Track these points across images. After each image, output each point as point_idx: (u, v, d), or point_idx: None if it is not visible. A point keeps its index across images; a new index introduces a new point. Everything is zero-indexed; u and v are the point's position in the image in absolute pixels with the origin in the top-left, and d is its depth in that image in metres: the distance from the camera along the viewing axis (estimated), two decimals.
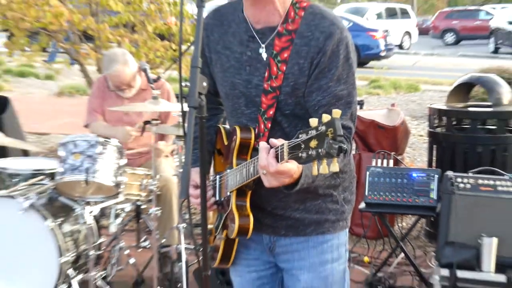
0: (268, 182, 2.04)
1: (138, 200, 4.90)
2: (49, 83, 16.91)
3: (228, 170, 2.39)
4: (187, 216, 4.84)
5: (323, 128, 1.78)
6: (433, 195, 4.87)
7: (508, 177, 4.64)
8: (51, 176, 4.81)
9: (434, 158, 5.67)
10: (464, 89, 6.07)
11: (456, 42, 34.46)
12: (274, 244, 2.52)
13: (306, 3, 2.33)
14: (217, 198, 2.50)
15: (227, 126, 2.49)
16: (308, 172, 2.04)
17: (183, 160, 4.78)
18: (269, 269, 2.61)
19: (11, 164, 5.20)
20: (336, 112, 1.79)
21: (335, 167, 1.79)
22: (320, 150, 1.78)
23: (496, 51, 28.67)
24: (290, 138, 1.95)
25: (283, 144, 1.92)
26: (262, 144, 2.04)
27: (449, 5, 58.12)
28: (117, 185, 4.60)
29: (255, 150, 2.30)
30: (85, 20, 7.83)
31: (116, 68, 5.12)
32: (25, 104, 9.72)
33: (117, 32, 7.94)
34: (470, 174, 4.73)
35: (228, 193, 2.39)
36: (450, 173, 4.76)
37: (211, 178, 2.51)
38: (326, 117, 1.79)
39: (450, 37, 34.97)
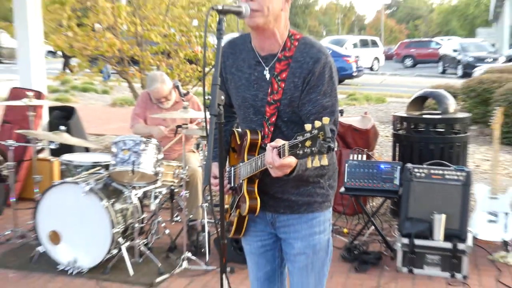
0: (274, 173, 2.07)
1: (172, 185, 4.92)
2: (105, 96, 16.94)
3: (241, 164, 2.40)
4: (208, 198, 4.85)
5: (316, 131, 1.86)
6: (396, 181, 4.88)
7: (453, 168, 4.65)
8: (106, 167, 4.83)
9: (397, 153, 5.66)
10: (419, 101, 6.06)
11: (413, 65, 34.39)
12: (275, 220, 2.51)
13: (299, 35, 2.35)
14: (232, 184, 2.50)
15: (240, 130, 2.50)
16: (302, 162, 2.07)
17: (206, 155, 4.81)
18: (271, 238, 2.60)
19: (76, 157, 5.24)
20: (325, 119, 1.87)
21: (325, 161, 1.87)
22: (313, 149, 1.86)
23: (443, 72, 28.63)
24: (288, 139, 2.01)
25: (284, 144, 1.98)
26: (269, 146, 2.07)
27: (408, 37, 58.12)
28: (156, 173, 4.63)
29: (262, 148, 2.33)
30: (132, 48, 7.85)
31: (156, 86, 5.16)
32: (86, 112, 9.73)
33: (157, 58, 7.96)
34: (424, 166, 4.75)
35: (241, 181, 2.40)
36: (409, 165, 4.78)
37: (227, 169, 2.51)
38: (317, 123, 1.87)
39: (408, 61, 34.92)
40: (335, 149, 2.20)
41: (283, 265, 2.67)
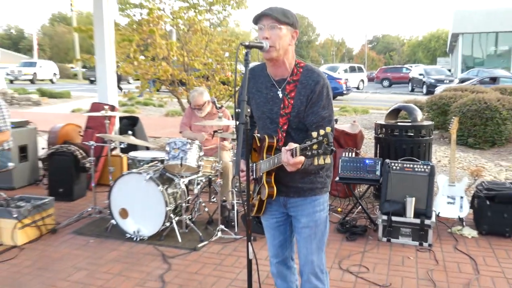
0: (288, 168, 2.13)
1: (210, 175, 4.90)
2: (160, 109, 17.04)
3: (261, 161, 2.40)
4: (237, 185, 4.83)
5: (321, 138, 1.94)
6: (378, 173, 4.82)
7: (420, 163, 4.59)
8: (162, 161, 4.84)
9: (378, 152, 5.60)
10: (395, 113, 5.99)
11: (389, 85, 34.12)
12: (286, 202, 2.52)
13: (303, 64, 2.39)
14: (254, 176, 2.50)
15: (259, 135, 2.50)
16: (309, 160, 2.09)
17: (235, 153, 4.78)
18: (283, 216, 2.60)
19: (139, 154, 5.26)
20: (328, 129, 1.95)
21: (328, 160, 1.97)
22: (319, 151, 1.95)
23: (412, 90, 28.35)
24: (297, 142, 2.09)
25: (296, 147, 2.03)
26: (284, 149, 2.11)
27: (385, 64, 57.79)
28: (198, 166, 4.61)
29: (277, 149, 2.35)
30: (181, 74, 7.85)
31: (194, 95, 5.23)
32: (147, 121, 9.76)
33: (198, 80, 7.96)
34: (399, 161, 4.68)
35: (261, 174, 2.41)
36: (387, 160, 4.72)
37: (250, 165, 2.50)
38: (322, 132, 1.95)
39: (386, 83, 34.65)
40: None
41: (292, 235, 2.67)
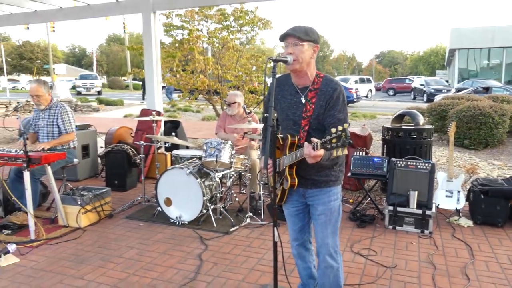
0: (309, 160, 2.13)
1: (240, 170, 4.89)
2: (197, 114, 17.14)
3: (284, 156, 2.40)
4: (263, 179, 4.83)
5: (340, 133, 1.94)
6: (385, 169, 4.74)
7: (422, 161, 4.50)
8: (199, 158, 4.86)
9: (385, 151, 5.52)
10: (399, 117, 5.89)
11: (394, 94, 33.49)
12: (305, 192, 2.52)
13: (322, 74, 2.40)
14: (278, 169, 2.49)
15: (281, 135, 2.51)
16: (327, 154, 2.13)
17: (260, 151, 4.77)
18: (302, 205, 2.60)
19: (181, 152, 5.28)
20: (346, 125, 1.96)
21: (345, 151, 1.98)
22: (338, 143, 1.94)
23: (414, 98, 27.79)
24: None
25: (317, 141, 2.03)
26: (306, 143, 2.12)
27: (390, 76, 56.84)
28: (231, 162, 4.61)
29: (298, 146, 2.34)
30: (215, 84, 7.90)
31: (230, 93, 5.34)
32: (187, 124, 9.86)
33: (231, 90, 7.99)
34: (403, 159, 4.60)
35: (284, 167, 2.41)
36: (393, 158, 4.64)
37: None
38: (340, 128, 1.97)
39: (391, 92, 34.02)
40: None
41: (310, 221, 2.67)
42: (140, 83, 26.82)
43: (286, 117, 2.48)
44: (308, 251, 2.76)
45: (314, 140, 2.08)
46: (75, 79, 33.69)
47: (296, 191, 2.51)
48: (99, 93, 31.77)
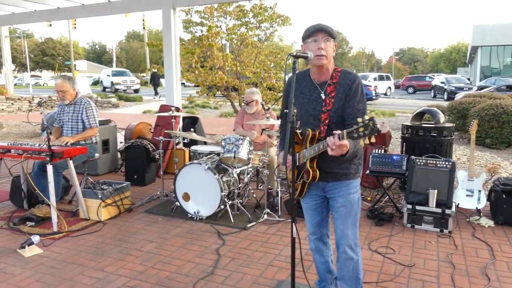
0: (334, 152, 2.13)
1: (258, 166, 4.90)
2: (215, 111, 17.21)
3: (304, 150, 2.43)
4: (280, 175, 4.83)
5: (367, 121, 1.95)
6: (404, 167, 4.69)
7: (442, 159, 4.43)
8: (218, 154, 4.89)
9: (404, 149, 5.46)
10: (419, 115, 5.83)
11: (414, 92, 33.02)
12: (324, 186, 2.54)
13: (339, 69, 2.44)
14: (297, 164, 2.51)
15: (299, 130, 2.53)
16: (353, 146, 2.19)
17: (278, 147, 4.77)
18: (321, 199, 2.62)
19: (199, 148, 5.31)
20: (370, 114, 1.99)
21: (373, 139, 1.97)
22: (366, 132, 1.95)
23: (434, 96, 27.37)
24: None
25: (343, 131, 2.05)
26: (332, 135, 2.14)
27: (410, 74, 56.07)
28: (249, 159, 4.63)
29: (319, 140, 2.37)
30: (234, 81, 7.92)
31: (247, 92, 5.31)
32: (205, 120, 9.93)
33: (249, 87, 8.01)
34: (423, 158, 4.54)
35: (305, 160, 2.43)
36: (412, 157, 4.59)
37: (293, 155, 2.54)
38: (367, 117, 1.98)
39: (410, 90, 33.56)
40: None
41: (328, 215, 2.70)
42: (160, 79, 26.71)
43: (305, 112, 2.50)
44: (326, 245, 2.77)
45: (337, 131, 2.09)
46: (107, 75, 31.55)
47: (315, 185, 2.54)
48: (136, 91, 30.01)
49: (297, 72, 2.58)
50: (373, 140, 1.97)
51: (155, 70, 29.09)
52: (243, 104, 5.49)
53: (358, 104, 2.35)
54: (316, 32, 2.33)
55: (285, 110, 2.20)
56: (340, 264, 2.59)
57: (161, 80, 26.31)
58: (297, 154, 2.51)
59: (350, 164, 2.49)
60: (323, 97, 2.42)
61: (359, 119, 1.99)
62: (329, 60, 2.37)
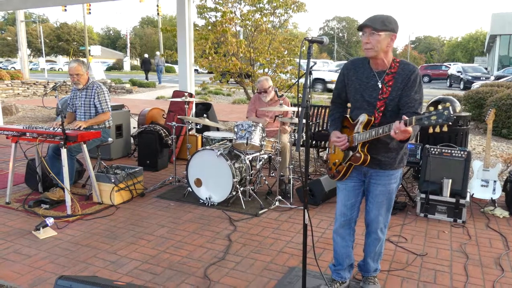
0: (397, 136, 2.20)
1: (270, 153, 4.88)
2: (228, 97, 17.19)
3: (356, 134, 2.49)
4: (292, 163, 4.81)
5: (441, 110, 1.98)
6: (418, 156, 4.64)
7: (458, 149, 4.35)
8: (230, 140, 4.88)
9: (418, 138, 5.39)
10: (435, 104, 5.71)
11: (429, 81, 32.44)
12: (368, 171, 2.62)
13: (398, 60, 2.49)
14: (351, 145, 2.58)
15: (349, 115, 2.62)
16: (413, 135, 2.24)
17: (291, 135, 4.73)
18: (360, 182, 2.69)
19: (211, 134, 5.32)
20: (448, 104, 2.01)
21: (445, 128, 2.01)
22: (439, 120, 2.00)
23: (450, 85, 26.91)
24: (390, 121, 2.26)
25: (412, 118, 2.12)
26: (386, 122, 2.28)
27: (426, 62, 55.19)
28: (261, 145, 4.61)
29: (373, 126, 2.44)
30: (247, 67, 7.87)
31: (261, 80, 5.24)
32: (218, 107, 9.93)
33: (263, 73, 7.95)
34: (438, 146, 4.47)
35: (356, 144, 2.49)
36: (427, 145, 4.52)
37: (344, 136, 2.59)
38: (442, 105, 2.02)
39: (426, 79, 32.98)
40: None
41: (361, 200, 2.75)
42: (173, 65, 26.36)
43: (360, 97, 2.55)
44: (351, 230, 2.80)
45: (405, 117, 2.15)
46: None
47: (358, 168, 2.62)
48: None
49: (355, 58, 2.66)
50: (445, 129, 2.01)
51: (147, 56, 29.56)
52: (256, 91, 5.45)
53: (415, 94, 2.41)
54: (362, 28, 2.41)
55: (299, 96, 2.18)
56: (369, 241, 2.79)
57: (163, 69, 26.59)
58: (348, 137, 2.57)
59: (397, 154, 2.57)
60: (380, 85, 2.48)
61: (431, 108, 2.06)
62: (379, 51, 2.40)
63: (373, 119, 2.46)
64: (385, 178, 2.59)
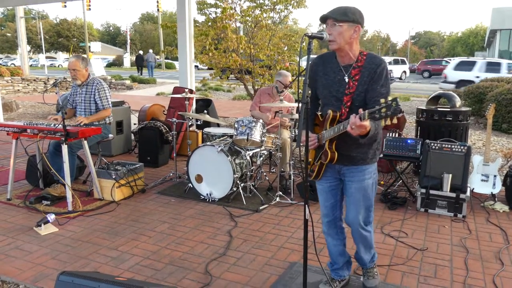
0: (353, 132, 2.13)
1: (271, 149, 4.89)
2: (228, 94, 17.19)
3: (324, 131, 2.43)
4: (294, 158, 4.80)
5: (390, 102, 1.93)
6: (418, 151, 4.63)
7: (458, 143, 4.35)
8: (231, 136, 4.88)
9: (418, 133, 5.39)
10: (435, 99, 5.71)
11: (429, 76, 32.33)
12: (340, 169, 2.55)
13: (366, 52, 2.41)
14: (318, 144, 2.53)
15: (320, 113, 2.54)
16: (373, 129, 2.20)
17: (291, 130, 4.72)
18: (336, 181, 2.62)
19: (212, 130, 5.29)
20: (394, 95, 2.01)
21: (395, 120, 1.95)
22: (388, 113, 1.93)
23: None
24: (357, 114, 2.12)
25: (365, 111, 2.04)
26: (353, 115, 2.12)
27: (426, 58, 55.04)
28: (262, 141, 4.61)
29: (339, 121, 2.36)
30: (247, 63, 7.85)
31: (285, 73, 5.19)
32: (218, 103, 9.92)
33: (262, 69, 7.94)
34: (438, 142, 4.47)
35: (324, 141, 2.44)
36: (427, 140, 4.51)
37: (315, 135, 2.53)
38: (390, 97, 1.99)
39: (426, 74, 32.91)
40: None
41: (342, 198, 2.69)
42: (173, 62, 27.00)
43: (328, 94, 2.49)
44: (338, 228, 2.76)
45: (360, 111, 2.07)
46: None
47: (331, 167, 2.55)
48: None
49: (325, 52, 2.58)
50: (394, 121, 1.95)
51: (141, 52, 30.47)
52: (264, 86, 5.42)
53: (381, 88, 2.33)
54: (325, 20, 2.35)
55: (299, 91, 2.17)
56: (355, 239, 2.72)
57: (153, 65, 27.87)
58: (317, 135, 2.50)
59: (368, 149, 2.49)
60: (347, 80, 2.40)
61: (382, 100, 1.97)
62: (342, 43, 2.32)
63: (338, 114, 2.39)
64: (359, 174, 2.51)
